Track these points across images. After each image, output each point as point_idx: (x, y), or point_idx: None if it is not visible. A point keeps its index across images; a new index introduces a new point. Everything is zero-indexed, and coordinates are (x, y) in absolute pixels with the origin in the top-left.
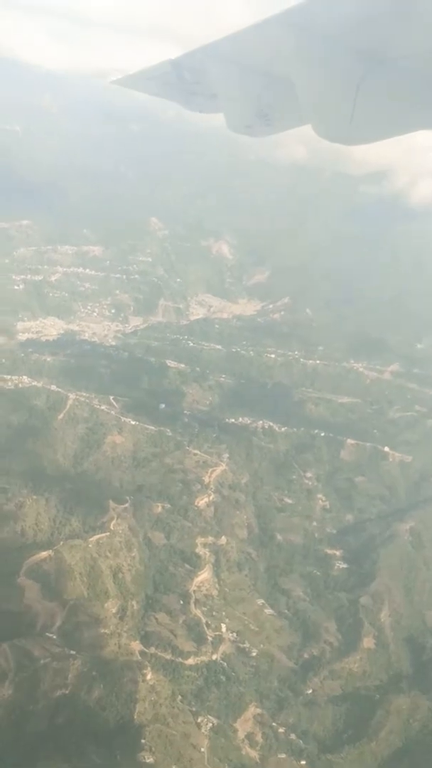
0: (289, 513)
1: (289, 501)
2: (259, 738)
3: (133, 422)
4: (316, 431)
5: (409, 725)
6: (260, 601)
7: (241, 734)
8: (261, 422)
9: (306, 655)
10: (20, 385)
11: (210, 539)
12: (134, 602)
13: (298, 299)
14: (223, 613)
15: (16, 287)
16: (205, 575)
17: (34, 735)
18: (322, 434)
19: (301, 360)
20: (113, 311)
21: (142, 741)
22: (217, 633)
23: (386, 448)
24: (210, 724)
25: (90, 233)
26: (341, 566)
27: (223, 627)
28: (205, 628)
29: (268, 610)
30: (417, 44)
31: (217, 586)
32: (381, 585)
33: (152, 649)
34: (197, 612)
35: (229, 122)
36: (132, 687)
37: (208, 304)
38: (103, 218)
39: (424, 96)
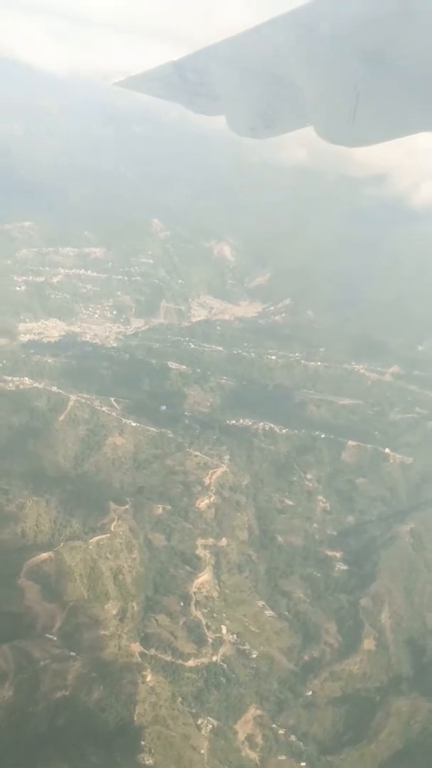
0: (290, 515)
1: (290, 503)
2: (259, 740)
3: (134, 424)
4: (317, 433)
5: (410, 727)
6: (260, 603)
7: (241, 736)
8: (262, 424)
9: (306, 657)
10: (21, 387)
11: (210, 541)
12: (134, 604)
13: (300, 301)
14: (224, 615)
15: (17, 288)
16: (205, 577)
17: (34, 736)
18: (323, 436)
19: (303, 362)
20: (115, 313)
21: (142, 743)
22: (217, 635)
23: (387, 450)
24: (210, 726)
25: (92, 235)
26: (342, 568)
27: (224, 629)
28: (206, 630)
29: (269, 612)
30: (418, 46)
31: (217, 587)
32: (381, 587)
33: (152, 651)
34: (197, 614)
35: (232, 124)
36: (132, 689)
37: (210, 306)
38: (105, 220)
39: (426, 98)
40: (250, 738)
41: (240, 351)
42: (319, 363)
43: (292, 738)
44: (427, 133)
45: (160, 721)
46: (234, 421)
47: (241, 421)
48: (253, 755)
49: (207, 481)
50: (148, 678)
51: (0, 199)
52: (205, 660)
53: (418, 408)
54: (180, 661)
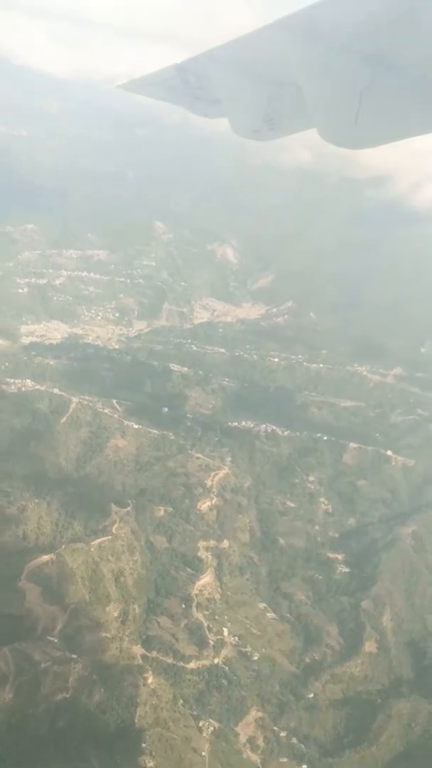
0: (292, 517)
1: (292, 505)
2: (260, 742)
3: (135, 426)
4: (318, 435)
5: (411, 729)
6: (262, 605)
7: (242, 738)
8: (264, 426)
9: (307, 659)
10: (23, 389)
11: (212, 543)
12: (136, 606)
13: (303, 303)
14: (225, 617)
15: (20, 291)
16: (206, 579)
17: (35, 738)
18: (325, 438)
19: (305, 364)
20: (117, 315)
21: (143, 745)
22: (218, 637)
23: (389, 452)
24: (211, 728)
25: (95, 237)
26: (343, 570)
27: (225, 631)
28: (207, 632)
29: (270, 614)
30: (420, 49)
31: (219, 589)
32: (383, 589)
33: (154, 653)
34: (199, 616)
35: (235, 126)
36: (133, 691)
37: (212, 308)
38: (108, 222)
39: (428, 100)
40: (251, 740)
41: (242, 353)
42: (321, 365)
43: (294, 740)
44: (429, 135)
45: (161, 724)
46: (236, 423)
47: (243, 423)
48: (255, 757)
49: (209, 483)
50: (150, 680)
51: (2, 201)
52: (206, 662)
53: (420, 410)
54: (181, 664)
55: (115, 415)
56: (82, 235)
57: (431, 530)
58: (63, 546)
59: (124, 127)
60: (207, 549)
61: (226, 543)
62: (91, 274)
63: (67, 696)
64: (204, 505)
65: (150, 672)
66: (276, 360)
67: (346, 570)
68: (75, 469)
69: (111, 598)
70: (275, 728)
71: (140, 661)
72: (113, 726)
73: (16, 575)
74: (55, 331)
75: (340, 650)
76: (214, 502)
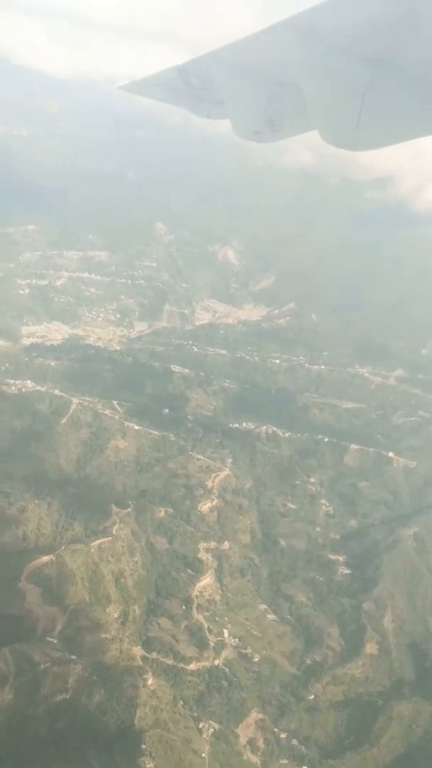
0: (293, 518)
1: (293, 506)
2: (260, 743)
3: (136, 427)
4: (319, 436)
5: (412, 731)
6: (263, 607)
7: (242, 740)
8: (265, 427)
9: (308, 661)
10: (24, 390)
11: (213, 544)
12: (136, 607)
13: (304, 305)
14: (226, 619)
15: (21, 292)
16: (207, 580)
17: (34, 740)
18: (326, 439)
19: (306, 365)
20: (118, 316)
21: (143, 746)
22: (219, 638)
23: (390, 454)
24: (211, 730)
25: (96, 238)
26: (344, 572)
27: (226, 632)
28: (207, 634)
29: (271, 616)
30: (422, 50)
31: (219, 591)
32: (384, 591)
33: (154, 654)
34: (199, 617)
35: (236, 128)
36: (133, 692)
37: (214, 310)
38: (109, 223)
39: (430, 102)
40: (251, 742)
41: (243, 354)
42: (322, 366)
43: (294, 742)
44: (431, 137)
45: (161, 725)
46: (237, 425)
47: (244, 424)
48: (255, 759)
49: (209, 484)
50: (149, 681)
51: (3, 202)
52: (206, 663)
53: (422, 411)
54: (181, 665)
55: (116, 416)
56: (82, 236)
57: None
58: (63, 547)
59: (125, 128)
60: (207, 550)
61: (226, 544)
62: (92, 275)
63: (67, 697)
64: (205, 507)
65: (150, 673)
66: (277, 361)
67: (347, 571)
68: (75, 470)
69: (111, 599)
70: (276, 730)
71: (140, 663)
72: (113, 727)
73: (16, 576)
74: (56, 332)
75: (341, 652)
76: (214, 503)
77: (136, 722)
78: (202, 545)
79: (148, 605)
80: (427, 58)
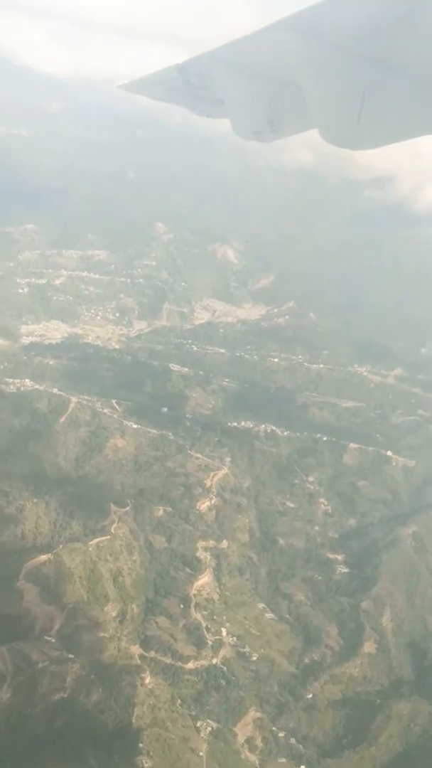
0: (291, 517)
1: (291, 505)
2: (258, 742)
3: (135, 426)
4: (318, 435)
5: (410, 730)
6: (261, 606)
7: (240, 738)
8: (263, 426)
9: (307, 660)
10: (22, 389)
11: (211, 543)
12: (134, 606)
13: (303, 304)
14: (224, 617)
15: (20, 291)
16: (205, 579)
17: (32, 738)
18: (325, 438)
19: (305, 364)
20: (117, 315)
21: (140, 745)
22: (217, 637)
23: (389, 453)
24: (209, 729)
25: (95, 237)
26: (343, 570)
27: (224, 631)
28: (206, 632)
29: (269, 615)
30: (422, 50)
31: (217, 590)
32: (383, 589)
33: (152, 653)
34: (197, 616)
35: (236, 127)
36: (131, 691)
37: (213, 309)
38: (108, 222)
39: (430, 101)
40: (249, 740)
41: (242, 353)
42: (321, 365)
43: (292, 741)
44: (430, 136)
45: (158, 724)
46: (235, 424)
47: (243, 423)
48: (253, 758)
49: (208, 483)
50: (147, 680)
51: (3, 201)
52: (204, 662)
53: (421, 410)
54: (180, 664)
55: (115, 415)
56: (82, 235)
57: (431, 531)
58: (61, 546)
59: (125, 128)
60: (206, 549)
61: (225, 543)
62: (92, 274)
63: (65, 696)
64: (203, 505)
65: (148, 672)
66: (276, 360)
67: (346, 570)
68: (74, 468)
69: (109, 598)
70: (274, 729)
71: (138, 661)
72: (111, 726)
73: (14, 575)
74: (55, 331)
75: (339, 651)
76: (213, 502)
77: (133, 721)
78: (200, 544)
79: (146, 604)
80: (427, 58)
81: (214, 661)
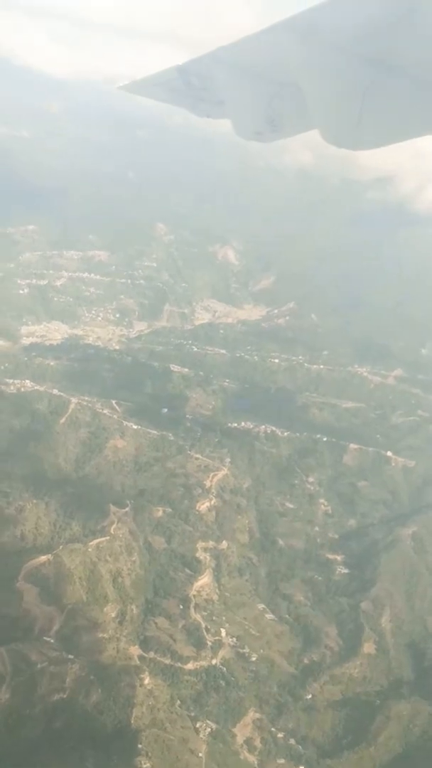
0: (291, 518)
1: (291, 506)
2: (257, 743)
3: (135, 426)
4: (318, 436)
5: (410, 731)
6: (261, 606)
7: (239, 739)
8: (263, 427)
9: (306, 660)
10: (23, 389)
11: (211, 544)
12: (134, 607)
13: (304, 304)
14: (223, 618)
15: (20, 291)
16: (205, 580)
17: (31, 739)
18: (325, 439)
19: (305, 365)
20: (118, 316)
21: (139, 746)
22: (216, 638)
23: (389, 453)
24: (208, 729)
25: (96, 238)
26: (343, 571)
27: (223, 632)
28: (205, 633)
29: (269, 615)
30: (423, 50)
31: (217, 590)
32: (382, 590)
33: (151, 654)
34: (197, 617)
35: (237, 128)
36: (130, 691)
37: (214, 310)
38: (109, 223)
39: (430, 102)
40: (248, 741)
41: (243, 354)
42: (322, 366)
43: (291, 741)
44: (431, 137)
45: (157, 724)
46: (235, 424)
47: (243, 424)
48: (252, 759)
49: (208, 483)
50: (146, 681)
51: (3, 202)
52: (204, 663)
53: (421, 411)
54: (179, 664)
55: (115, 416)
56: (83, 236)
57: (431, 531)
58: (61, 546)
59: (125, 128)
60: (206, 550)
61: (224, 544)
62: (92, 275)
63: (64, 696)
64: (203, 506)
65: (147, 673)
66: (277, 361)
67: (346, 571)
68: (74, 469)
69: (108, 599)
70: (273, 729)
71: (137, 662)
72: (110, 727)
73: (14, 575)
74: (56, 332)
75: (339, 651)
76: (213, 502)
77: (132, 722)
78: (200, 545)
79: (145, 605)
80: (427, 58)
81: (214, 661)
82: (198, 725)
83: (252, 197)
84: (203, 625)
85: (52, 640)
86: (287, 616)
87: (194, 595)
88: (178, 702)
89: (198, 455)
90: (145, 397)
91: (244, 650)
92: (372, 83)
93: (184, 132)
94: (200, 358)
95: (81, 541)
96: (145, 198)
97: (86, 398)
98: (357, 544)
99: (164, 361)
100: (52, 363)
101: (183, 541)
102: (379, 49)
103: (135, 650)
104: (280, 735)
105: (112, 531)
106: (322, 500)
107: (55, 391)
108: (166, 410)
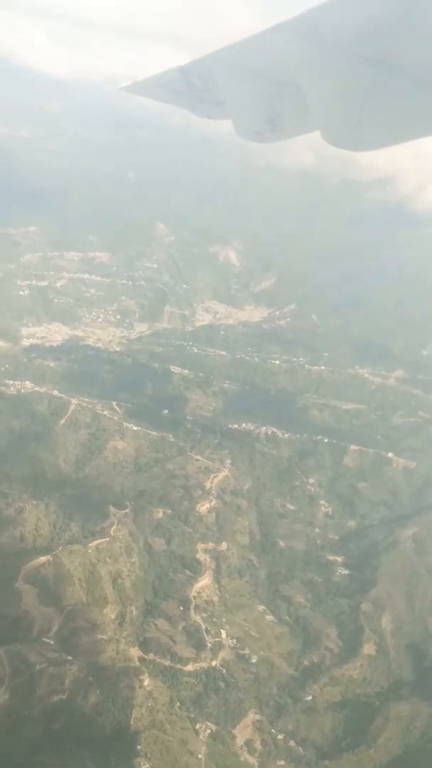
0: (291, 519)
1: (292, 507)
2: (257, 745)
3: (135, 428)
4: (319, 437)
5: (409, 732)
6: (261, 608)
7: (239, 741)
8: (264, 428)
9: (306, 662)
10: (23, 391)
11: (211, 545)
12: (133, 608)
13: (305, 305)
14: (223, 620)
15: (21, 293)
16: (205, 581)
17: (30, 740)
18: (326, 440)
19: (306, 366)
20: (118, 317)
21: (139, 747)
22: (216, 639)
23: (390, 454)
24: (208, 731)
25: (96, 239)
26: (343, 572)
27: (223, 633)
28: (205, 635)
29: (269, 617)
30: (424, 51)
31: (217, 592)
32: (383, 591)
33: (151, 656)
34: (197, 618)
35: (238, 128)
36: (129, 693)
37: (214, 311)
38: (110, 224)
39: (431, 102)
40: (248, 743)
41: (243, 355)
42: (322, 367)
43: (291, 743)
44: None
45: (157, 726)
46: (236, 426)
47: (243, 425)
48: (252, 760)
49: (208, 485)
50: (146, 682)
51: (4, 203)
52: (204, 664)
53: (422, 412)
54: (179, 666)
55: (115, 417)
56: (83, 236)
57: None
58: (60, 548)
59: (125, 128)
60: (206, 551)
61: (224, 545)
62: (93, 276)
63: (63, 698)
64: (203, 508)
65: (146, 674)
66: (277, 362)
67: (346, 572)
68: (74, 470)
69: (108, 600)
70: (273, 731)
71: (137, 664)
72: (109, 728)
73: (13, 576)
74: (56, 333)
75: (338, 653)
76: (213, 504)
77: (132, 723)
78: (200, 546)
79: (145, 606)
80: (427, 58)
81: (214, 663)
82: (198, 727)
83: (252, 197)
84: (203, 627)
85: (51, 641)
86: (287, 617)
87: (194, 597)
88: (178, 703)
89: (198, 456)
90: (145, 399)
91: (244, 652)
92: (372, 84)
93: (184, 132)
94: (201, 360)
95: (81, 543)
96: (145, 198)
97: (86, 399)
98: (357, 546)
99: (165, 363)
100: (52, 364)
101: (183, 543)
102: (379, 49)
103: (134, 652)
104: (280, 736)
105: (111, 532)
106: (322, 501)
107: (55, 393)
108: (166, 411)
